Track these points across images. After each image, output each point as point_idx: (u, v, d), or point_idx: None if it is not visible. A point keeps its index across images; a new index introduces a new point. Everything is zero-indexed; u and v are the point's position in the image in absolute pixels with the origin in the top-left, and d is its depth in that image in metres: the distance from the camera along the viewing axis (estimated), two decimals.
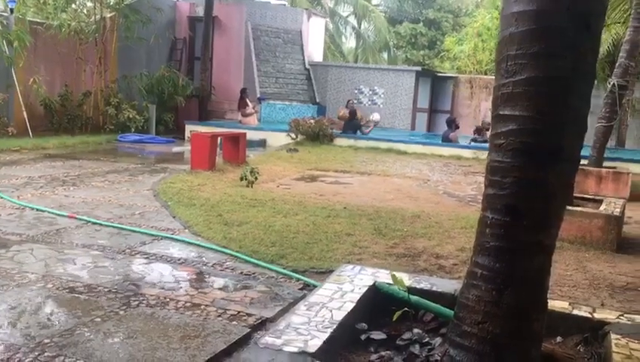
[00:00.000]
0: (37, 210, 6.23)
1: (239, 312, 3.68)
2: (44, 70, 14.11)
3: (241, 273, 4.52)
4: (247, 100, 16.28)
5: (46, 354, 2.96)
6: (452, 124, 15.09)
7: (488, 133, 12.25)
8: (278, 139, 14.44)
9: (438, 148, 14.07)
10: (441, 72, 22.53)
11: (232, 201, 7.05)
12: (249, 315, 3.64)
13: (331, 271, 4.10)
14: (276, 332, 2.81)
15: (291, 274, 4.50)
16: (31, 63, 13.44)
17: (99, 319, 3.44)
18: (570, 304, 3.43)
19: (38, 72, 13.60)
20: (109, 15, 15.57)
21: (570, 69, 2.44)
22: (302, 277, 4.41)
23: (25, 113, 12.99)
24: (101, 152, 11.80)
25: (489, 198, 2.61)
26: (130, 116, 14.80)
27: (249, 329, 3.40)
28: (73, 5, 15.64)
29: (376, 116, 16.52)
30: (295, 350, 2.61)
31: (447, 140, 14.63)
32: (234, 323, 3.51)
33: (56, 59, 14.45)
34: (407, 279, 3.52)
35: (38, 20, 14.50)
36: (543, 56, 2.43)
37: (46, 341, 3.11)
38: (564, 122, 2.48)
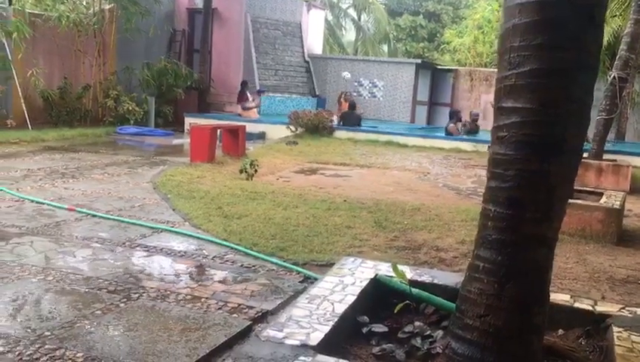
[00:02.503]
0: (36, 202, 6.22)
1: (240, 305, 3.67)
2: (43, 62, 14.05)
3: (242, 266, 4.52)
4: (248, 93, 16.20)
5: (46, 346, 2.96)
6: (454, 116, 15.12)
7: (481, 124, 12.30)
8: (278, 131, 14.40)
9: (438, 141, 14.04)
10: (440, 65, 22.48)
11: (232, 194, 7.04)
12: (250, 308, 3.63)
13: (332, 264, 4.11)
14: (278, 325, 2.81)
15: (292, 266, 4.49)
16: (30, 55, 13.38)
17: (99, 312, 3.43)
18: (571, 297, 3.43)
19: (37, 64, 13.54)
20: (107, 7, 15.50)
21: (574, 60, 2.43)
22: (302, 270, 4.41)
23: (24, 105, 12.95)
24: (100, 145, 11.76)
25: (491, 191, 2.60)
26: (130, 108, 14.75)
27: (250, 322, 3.39)
28: None
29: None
30: (297, 343, 2.61)
31: (448, 132, 14.65)
32: (234, 315, 3.51)
33: (54, 52, 14.39)
34: (408, 272, 3.52)
35: (37, 12, 14.44)
36: (547, 48, 2.42)
37: (46, 333, 3.10)
38: (567, 114, 2.47)
